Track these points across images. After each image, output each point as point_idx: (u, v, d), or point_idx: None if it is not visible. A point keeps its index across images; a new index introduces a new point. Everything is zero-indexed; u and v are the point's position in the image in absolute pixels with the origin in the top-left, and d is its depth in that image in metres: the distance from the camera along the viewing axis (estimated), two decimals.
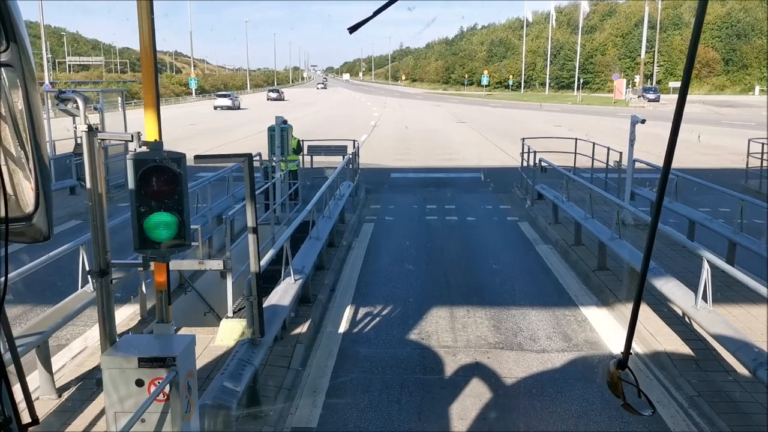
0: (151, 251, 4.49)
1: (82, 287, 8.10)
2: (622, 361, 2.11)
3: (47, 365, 7.14)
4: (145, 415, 4.32)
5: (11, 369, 1.67)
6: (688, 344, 8.10)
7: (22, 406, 1.68)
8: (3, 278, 1.58)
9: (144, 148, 4.53)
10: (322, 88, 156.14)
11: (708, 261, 7.40)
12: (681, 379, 7.21)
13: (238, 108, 70.07)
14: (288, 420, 6.80)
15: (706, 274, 7.31)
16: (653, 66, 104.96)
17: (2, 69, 1.49)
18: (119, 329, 7.23)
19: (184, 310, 9.88)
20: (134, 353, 4.49)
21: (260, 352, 6.69)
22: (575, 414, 6.86)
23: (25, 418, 1.70)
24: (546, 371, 7.93)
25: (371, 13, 1.77)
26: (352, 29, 1.83)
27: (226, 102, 70.48)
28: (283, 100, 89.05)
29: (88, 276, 7.79)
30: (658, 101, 79.96)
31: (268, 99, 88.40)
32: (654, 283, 8.73)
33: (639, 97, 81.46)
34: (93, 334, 8.85)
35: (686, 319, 8.34)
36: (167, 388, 4.39)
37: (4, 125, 1.51)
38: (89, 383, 7.32)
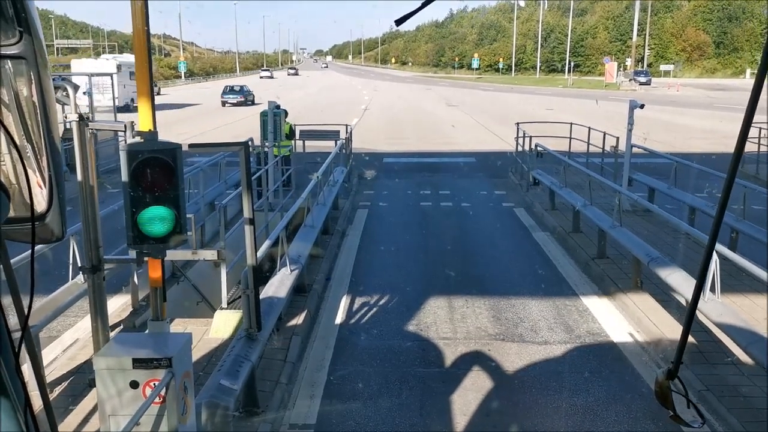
0: (145, 247, 4.27)
1: (72, 279, 7.87)
2: (672, 371, 1.95)
3: (38, 360, 6.93)
4: (141, 417, 4.12)
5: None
6: (693, 336, 7.95)
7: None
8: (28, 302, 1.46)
9: (138, 138, 4.32)
10: (324, 67, 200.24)
11: (716, 251, 7.23)
12: (688, 372, 7.06)
13: (272, 77, 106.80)
14: (285, 416, 6.62)
15: (714, 264, 7.15)
16: (644, 49, 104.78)
17: (10, 61, 1.40)
18: (110, 320, 7.04)
19: (177, 300, 9.67)
20: (128, 353, 4.30)
21: (257, 347, 6.50)
22: (581, 409, 6.70)
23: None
24: (549, 364, 7.78)
25: (419, 5, 1.59)
26: (399, 22, 1.67)
27: (267, 74, 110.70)
28: (298, 75, 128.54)
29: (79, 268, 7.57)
30: (649, 84, 79.92)
31: (288, 74, 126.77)
32: (659, 273, 8.58)
33: (630, 80, 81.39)
34: (84, 325, 8.62)
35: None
36: (163, 391, 4.20)
37: (16, 120, 1.42)
38: (81, 378, 7.11)
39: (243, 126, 31.73)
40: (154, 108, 4.46)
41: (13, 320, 1.54)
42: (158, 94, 51.70)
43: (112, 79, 21.92)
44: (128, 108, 39.26)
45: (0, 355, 1.41)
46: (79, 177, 4.48)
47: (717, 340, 7.63)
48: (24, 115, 1.42)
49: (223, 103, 50.51)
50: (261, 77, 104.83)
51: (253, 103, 50.27)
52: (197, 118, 42.13)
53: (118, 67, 43.73)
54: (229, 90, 52.78)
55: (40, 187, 1.47)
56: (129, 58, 47.93)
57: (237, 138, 16.49)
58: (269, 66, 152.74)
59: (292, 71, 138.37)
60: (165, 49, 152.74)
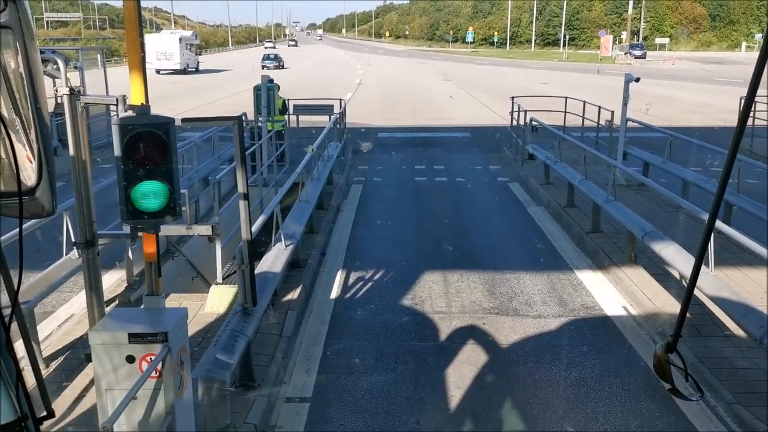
0: (139, 222, 4.24)
1: (66, 254, 7.85)
2: (671, 344, 1.96)
3: (33, 335, 6.94)
4: (137, 392, 4.13)
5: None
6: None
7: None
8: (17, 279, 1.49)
9: (130, 112, 4.27)
10: (319, 39, 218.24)
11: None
12: (681, 345, 7.11)
13: (275, 48, 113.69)
14: (282, 390, 6.65)
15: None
16: (640, 22, 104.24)
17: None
18: (105, 295, 7.04)
19: (172, 276, 9.67)
20: (124, 328, 4.29)
21: (253, 321, 6.51)
22: (575, 382, 6.75)
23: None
24: (543, 337, 7.81)
25: None
26: None
27: (271, 44, 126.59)
28: (297, 46, 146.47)
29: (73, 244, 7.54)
30: (645, 58, 79.64)
31: (288, 46, 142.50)
32: (653, 247, 8.60)
33: (625, 53, 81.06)
34: (79, 301, 8.61)
35: (684, 283, 8.23)
36: (159, 365, 4.20)
37: (3, 92, 1.39)
38: (77, 353, 7.13)
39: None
40: (146, 81, 4.42)
41: (4, 298, 1.52)
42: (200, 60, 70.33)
43: (102, 53, 21.63)
44: (185, 71, 61.10)
45: None
46: (72, 151, 4.44)
47: (710, 312, 7.67)
48: (11, 86, 1.39)
49: (263, 67, 62.43)
50: (266, 47, 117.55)
51: (283, 67, 67.21)
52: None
53: (180, 39, 62.00)
54: (266, 57, 69.75)
55: (29, 161, 1.43)
56: (185, 32, 72.71)
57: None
58: (262, 39, 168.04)
59: (293, 43, 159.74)
60: (156, 23, 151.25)
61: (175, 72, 59.64)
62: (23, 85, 1.40)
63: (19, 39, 1.37)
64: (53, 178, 1.49)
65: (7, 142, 1.39)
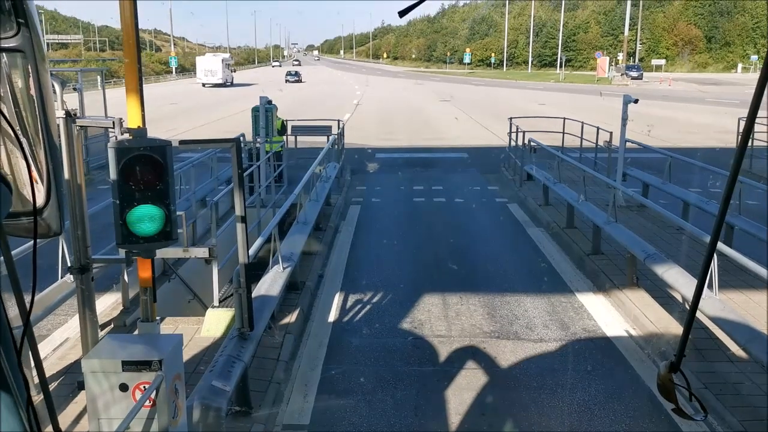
0: (135, 246, 4.16)
1: (62, 277, 7.75)
2: (675, 364, 1.91)
3: (26, 360, 6.81)
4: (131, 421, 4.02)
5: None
6: (691, 332, 7.88)
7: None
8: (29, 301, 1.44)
9: (127, 136, 4.21)
10: (317, 60, 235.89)
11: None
12: (684, 369, 7.00)
13: (281, 66, 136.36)
14: (279, 417, 6.53)
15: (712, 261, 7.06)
16: (636, 44, 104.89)
17: (7, 55, 1.39)
18: (101, 318, 6.93)
19: (168, 298, 9.56)
20: (118, 356, 4.20)
21: (250, 346, 6.40)
22: (578, 407, 6.63)
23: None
24: (544, 362, 7.70)
25: None
26: (402, 13, 1.61)
27: (277, 64, 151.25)
28: (301, 65, 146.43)
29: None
30: (641, 79, 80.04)
31: (293, 65, 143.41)
32: (655, 270, 8.51)
33: (622, 75, 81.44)
34: (74, 324, 8.49)
35: (687, 306, 8.13)
36: (153, 394, 4.10)
37: (14, 114, 1.42)
38: (71, 378, 7.00)
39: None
40: (143, 104, 4.35)
41: (14, 318, 1.49)
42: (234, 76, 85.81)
43: (102, 74, 21.68)
44: (224, 84, 77.11)
45: (1, 351, 1.38)
46: (67, 175, 4.37)
47: (714, 337, 7.56)
48: (21, 109, 1.41)
49: (286, 81, 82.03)
50: (273, 66, 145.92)
51: (301, 81, 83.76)
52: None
53: (222, 60, 79.86)
54: (288, 74, 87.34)
55: (37, 181, 1.46)
56: (224, 55, 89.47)
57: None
58: (261, 61, 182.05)
59: (296, 62, 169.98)
60: (156, 45, 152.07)
61: (217, 85, 76.27)
62: (32, 107, 1.42)
63: (31, 62, 1.39)
64: (61, 199, 1.52)
65: (18, 163, 1.42)
